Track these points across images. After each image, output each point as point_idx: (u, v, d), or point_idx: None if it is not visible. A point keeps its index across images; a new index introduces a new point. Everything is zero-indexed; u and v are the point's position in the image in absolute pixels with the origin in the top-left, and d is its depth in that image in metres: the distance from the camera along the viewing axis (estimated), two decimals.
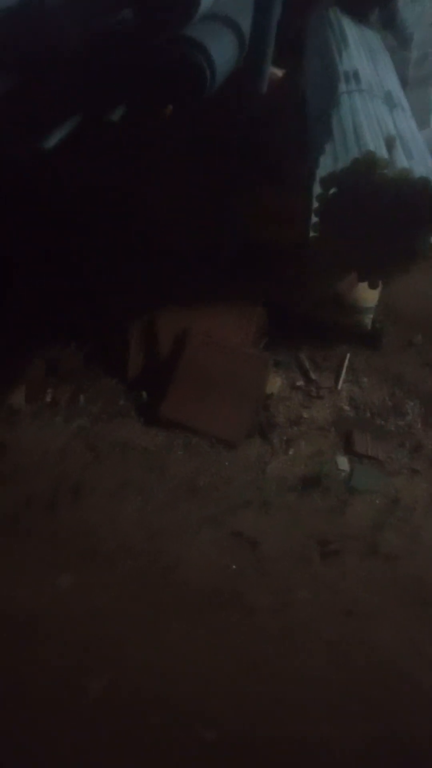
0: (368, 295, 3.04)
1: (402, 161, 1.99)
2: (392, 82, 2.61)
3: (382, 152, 1.97)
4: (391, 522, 2.49)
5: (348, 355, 3.07)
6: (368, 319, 3.09)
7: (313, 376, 3.02)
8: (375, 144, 2.00)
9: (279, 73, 2.97)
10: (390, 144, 2.04)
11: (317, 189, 2.02)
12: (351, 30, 2.88)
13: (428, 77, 3.16)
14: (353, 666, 1.94)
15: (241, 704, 1.85)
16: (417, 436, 2.80)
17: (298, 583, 2.18)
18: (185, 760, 1.75)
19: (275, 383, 2.98)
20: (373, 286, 2.21)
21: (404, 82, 2.95)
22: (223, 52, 2.54)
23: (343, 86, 2.42)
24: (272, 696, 1.86)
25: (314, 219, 2.04)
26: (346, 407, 2.93)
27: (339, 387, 2.99)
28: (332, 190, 1.98)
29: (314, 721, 1.80)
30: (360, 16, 3.04)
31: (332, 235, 2.01)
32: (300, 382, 3.01)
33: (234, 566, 2.20)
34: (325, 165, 2.04)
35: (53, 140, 2.54)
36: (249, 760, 1.74)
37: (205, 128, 2.88)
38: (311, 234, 2.09)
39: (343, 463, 2.72)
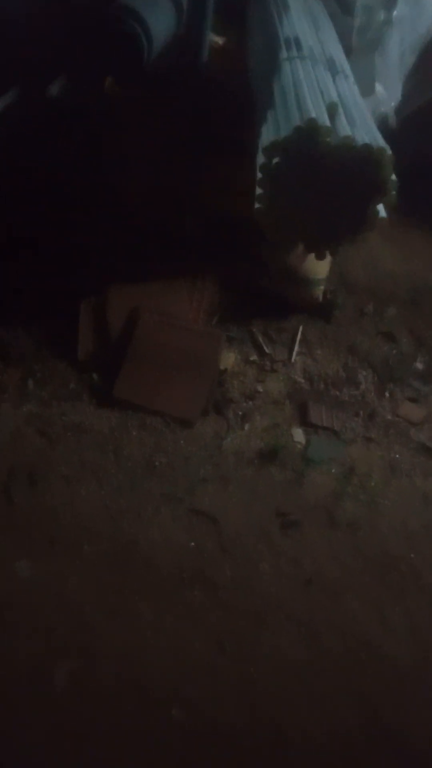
0: (319, 267, 3.03)
1: (345, 129, 1.97)
2: (335, 49, 2.57)
3: (325, 119, 1.95)
4: (348, 491, 2.53)
5: (301, 328, 3.07)
6: (320, 291, 3.09)
7: (266, 349, 3.01)
8: (317, 111, 1.97)
9: (220, 41, 2.90)
10: (332, 111, 2.01)
11: (260, 159, 1.99)
12: None
13: (372, 44, 3.13)
14: (321, 640, 1.96)
15: (213, 685, 1.86)
16: (371, 405, 2.83)
17: (259, 557, 2.19)
18: (159, 743, 1.75)
19: (229, 359, 2.97)
20: (320, 257, 2.20)
21: (348, 50, 2.92)
22: (160, 20, 2.46)
23: (284, 53, 2.38)
24: (242, 676, 1.87)
25: (258, 190, 2.01)
26: (301, 379, 2.94)
27: (293, 360, 3.00)
28: (275, 160, 1.95)
29: (285, 700, 1.82)
30: None
31: (277, 206, 1.99)
32: (254, 357, 3.00)
33: (195, 544, 2.19)
34: (268, 134, 2.01)
35: None
36: (222, 743, 1.75)
37: (161, 100, 2.80)
38: (256, 205, 2.06)
39: (299, 435, 2.74)
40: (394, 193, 1.90)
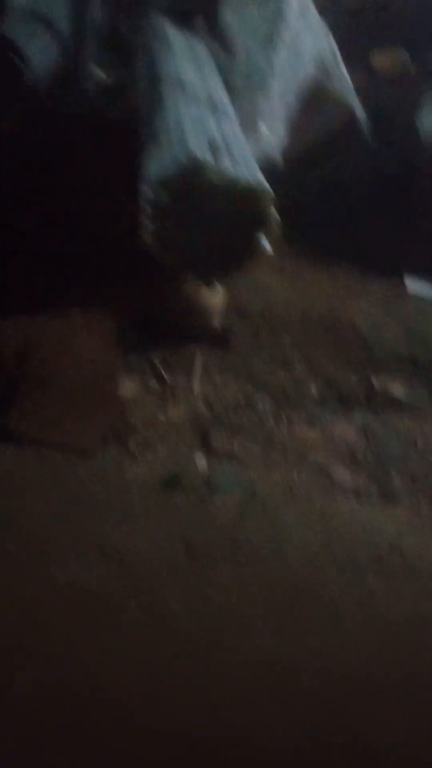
0: (215, 297, 3.11)
1: (226, 165, 2.06)
2: (216, 88, 2.68)
3: (207, 157, 2.02)
4: (250, 514, 2.56)
5: (200, 355, 3.12)
6: (216, 320, 3.16)
7: (167, 378, 3.03)
8: (199, 149, 2.04)
9: (105, 77, 2.95)
10: (214, 149, 2.09)
11: (146, 193, 2.03)
12: (175, 35, 2.93)
13: (255, 85, 3.29)
14: (234, 678, 1.94)
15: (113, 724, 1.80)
16: (269, 428, 2.91)
17: (168, 595, 2.16)
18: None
19: (129, 388, 2.96)
20: (209, 285, 2.26)
21: (230, 89, 3.05)
22: (40, 52, 2.47)
23: (167, 90, 2.45)
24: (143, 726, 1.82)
25: (146, 223, 2.05)
26: (201, 406, 2.98)
27: (193, 387, 3.04)
28: (160, 194, 2.00)
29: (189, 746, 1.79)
30: (184, 21, 3.10)
31: (164, 238, 2.03)
32: (154, 386, 3.01)
33: (99, 583, 2.14)
34: (152, 169, 2.05)
35: None
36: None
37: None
38: (145, 239, 2.09)
39: (201, 461, 2.76)
40: (274, 227, 1.99)
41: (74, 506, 2.41)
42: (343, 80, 3.30)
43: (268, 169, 2.32)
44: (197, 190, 1.94)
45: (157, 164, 2.07)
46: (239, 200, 1.95)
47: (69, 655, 1.93)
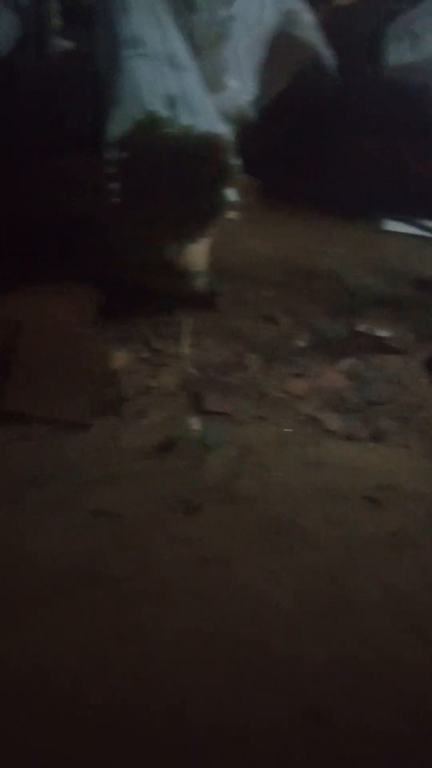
0: (197, 258, 3.11)
1: (185, 119, 2.04)
2: (176, 45, 2.65)
3: (164, 111, 2.01)
4: (244, 468, 2.59)
5: (187, 320, 3.13)
6: (201, 282, 3.16)
7: (156, 345, 3.05)
8: (156, 104, 2.02)
9: (68, 44, 2.92)
10: (172, 103, 2.07)
11: (108, 153, 2.02)
12: None
13: (218, 39, 3.23)
14: (219, 609, 2.01)
15: (112, 675, 1.86)
16: (260, 385, 2.93)
17: (159, 546, 2.21)
18: (67, 738, 1.74)
19: (120, 358, 2.98)
20: (185, 243, 2.25)
21: (195, 46, 3.01)
22: (3, 27, 2.45)
23: (126, 51, 2.43)
24: (140, 660, 1.88)
25: (110, 184, 2.04)
26: (192, 370, 3.00)
27: (183, 352, 3.05)
28: (122, 154, 1.99)
29: (184, 676, 1.85)
30: None
31: (131, 199, 2.03)
32: (145, 354, 3.03)
33: (91, 545, 2.18)
34: (113, 129, 2.04)
35: None
36: (121, 724, 1.76)
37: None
38: (113, 200, 2.09)
39: (195, 423, 2.78)
40: (238, 175, 1.98)
41: (65, 475, 2.45)
42: (308, 23, 3.23)
43: (241, 122, 2.29)
44: (157, 144, 1.93)
45: (117, 124, 2.06)
46: (199, 150, 1.94)
47: (64, 616, 1.98)
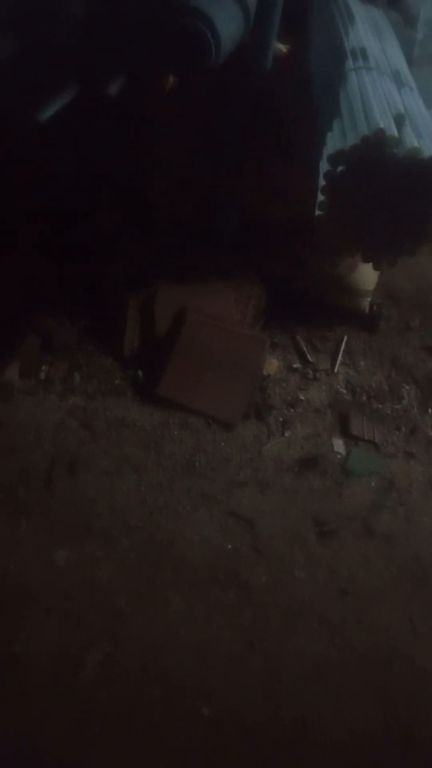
0: (367, 278, 3.02)
1: (411, 140, 1.96)
2: (399, 61, 2.56)
3: (392, 130, 1.94)
4: (386, 504, 2.50)
5: (345, 338, 3.06)
6: (366, 302, 3.07)
7: (310, 358, 3.00)
8: (384, 122, 1.96)
9: (284, 48, 2.91)
10: (399, 122, 2.00)
11: (324, 166, 1.99)
12: (357, 7, 2.83)
13: None
14: (352, 646, 1.95)
15: (239, 680, 1.85)
16: (413, 420, 2.80)
17: (294, 563, 2.19)
18: (184, 735, 1.75)
19: (272, 365, 2.97)
20: (377, 268, 2.19)
21: (410, 62, 2.91)
22: (227, 24, 2.48)
23: (350, 63, 2.38)
24: (270, 673, 1.87)
25: (320, 197, 2.01)
26: (343, 390, 2.93)
27: (336, 369, 2.99)
28: (340, 168, 1.95)
29: (313, 702, 1.81)
30: None
31: (338, 214, 1.99)
32: (297, 364, 3.00)
33: (230, 545, 2.19)
34: (333, 142, 2.01)
35: (49, 111, 2.46)
36: (246, 738, 1.75)
37: (208, 101, 2.82)
38: (317, 212, 2.06)
39: (339, 445, 2.72)
40: None
41: (211, 472, 2.47)
42: None
43: None
44: (379, 163, 1.87)
45: (338, 136, 2.02)
46: (422, 175, 1.86)
47: (195, 611, 2.00)
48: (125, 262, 3.03)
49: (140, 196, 3.01)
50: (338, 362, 3.01)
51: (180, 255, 3.00)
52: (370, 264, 2.27)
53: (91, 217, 3.04)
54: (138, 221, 3.03)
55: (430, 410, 2.83)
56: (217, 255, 2.97)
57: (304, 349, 3.03)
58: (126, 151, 2.94)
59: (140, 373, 2.79)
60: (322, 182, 2.01)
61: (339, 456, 2.68)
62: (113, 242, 3.05)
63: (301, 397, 2.88)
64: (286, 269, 2.93)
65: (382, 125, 1.92)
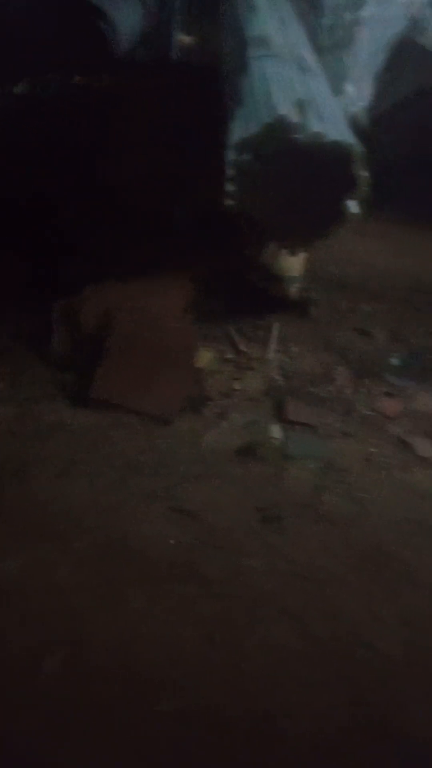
0: (294, 264, 3.06)
1: (314, 125, 1.99)
2: (304, 48, 2.59)
3: (294, 117, 1.96)
4: (328, 485, 2.53)
5: (277, 325, 3.09)
6: (295, 288, 3.11)
7: (242, 347, 3.02)
8: (286, 108, 1.98)
9: (187, 39, 2.91)
10: (301, 108, 2.03)
11: (230, 155, 2.00)
12: None
13: (341, 43, 3.16)
14: (315, 635, 1.95)
15: (203, 674, 1.85)
16: (347, 400, 2.85)
17: (251, 553, 2.18)
18: (150, 732, 1.73)
19: (205, 357, 2.97)
20: (292, 254, 2.21)
21: (316, 49, 2.94)
22: (125, 18, 2.46)
23: (252, 51, 2.39)
24: (233, 665, 1.86)
25: (229, 187, 2.02)
26: (277, 377, 2.96)
27: (269, 357, 3.01)
28: (244, 156, 1.96)
29: (279, 694, 1.82)
30: None
31: (247, 202, 2.00)
32: (230, 355, 3.01)
33: (186, 540, 2.18)
34: (237, 131, 2.02)
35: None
36: (214, 732, 1.74)
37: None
38: (227, 202, 2.07)
39: (277, 431, 2.74)
40: (365, 188, 1.92)
41: (155, 469, 2.46)
42: None
43: (354, 130, 2.21)
44: (284, 150, 1.89)
45: (241, 125, 2.03)
46: (328, 159, 1.88)
47: (156, 608, 1.98)
48: (68, 259, 2.97)
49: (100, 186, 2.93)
50: (271, 350, 3.03)
51: (108, 253, 2.97)
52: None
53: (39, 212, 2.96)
54: (89, 215, 2.96)
55: (362, 390, 2.89)
56: (163, 249, 2.93)
57: (236, 339, 3.05)
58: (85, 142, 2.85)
59: (70, 376, 2.75)
60: (228, 171, 2.01)
61: (277, 442, 2.70)
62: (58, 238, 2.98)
63: (236, 387, 2.89)
64: (227, 261, 2.93)
65: (283, 112, 1.94)
